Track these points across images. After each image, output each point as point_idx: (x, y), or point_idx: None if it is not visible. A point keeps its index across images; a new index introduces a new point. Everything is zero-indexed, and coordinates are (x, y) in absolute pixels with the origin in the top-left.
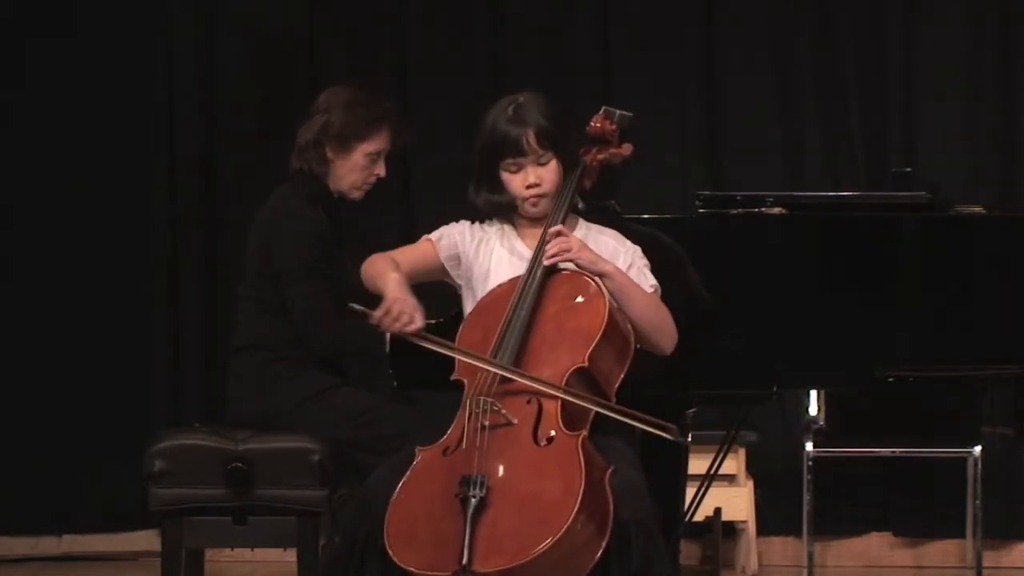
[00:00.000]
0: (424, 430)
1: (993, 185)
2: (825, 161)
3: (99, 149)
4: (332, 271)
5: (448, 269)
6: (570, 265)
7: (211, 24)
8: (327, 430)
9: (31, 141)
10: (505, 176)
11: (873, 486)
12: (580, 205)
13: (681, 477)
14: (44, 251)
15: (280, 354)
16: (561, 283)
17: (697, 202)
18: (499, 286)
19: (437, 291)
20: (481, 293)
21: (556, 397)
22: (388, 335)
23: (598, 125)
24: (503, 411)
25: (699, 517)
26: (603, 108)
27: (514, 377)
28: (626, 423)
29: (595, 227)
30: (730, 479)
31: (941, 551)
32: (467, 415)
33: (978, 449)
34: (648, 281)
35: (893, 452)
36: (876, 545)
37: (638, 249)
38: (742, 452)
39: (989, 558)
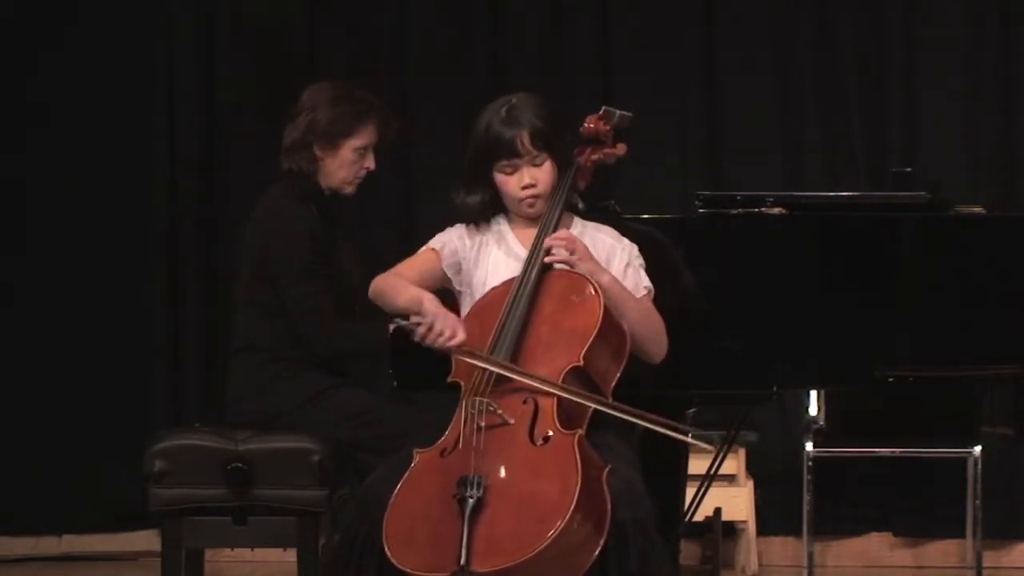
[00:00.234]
0: (423, 430)
1: (993, 185)
2: (825, 161)
3: (99, 150)
4: (329, 270)
5: (449, 276)
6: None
7: (211, 24)
8: (327, 430)
9: (31, 141)
10: (500, 177)
11: (873, 486)
12: (580, 205)
13: (681, 477)
14: (44, 251)
15: (279, 355)
16: (556, 283)
17: (697, 202)
18: (494, 288)
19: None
20: (478, 294)
21: (553, 395)
22: (389, 335)
23: (591, 125)
24: (499, 411)
25: (699, 517)
26: (603, 108)
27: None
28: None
29: (591, 224)
30: (730, 479)
31: (941, 551)
32: (464, 416)
33: (978, 449)
34: (643, 282)
35: (893, 452)
36: (876, 545)
37: (635, 247)
38: (742, 452)
39: (989, 558)
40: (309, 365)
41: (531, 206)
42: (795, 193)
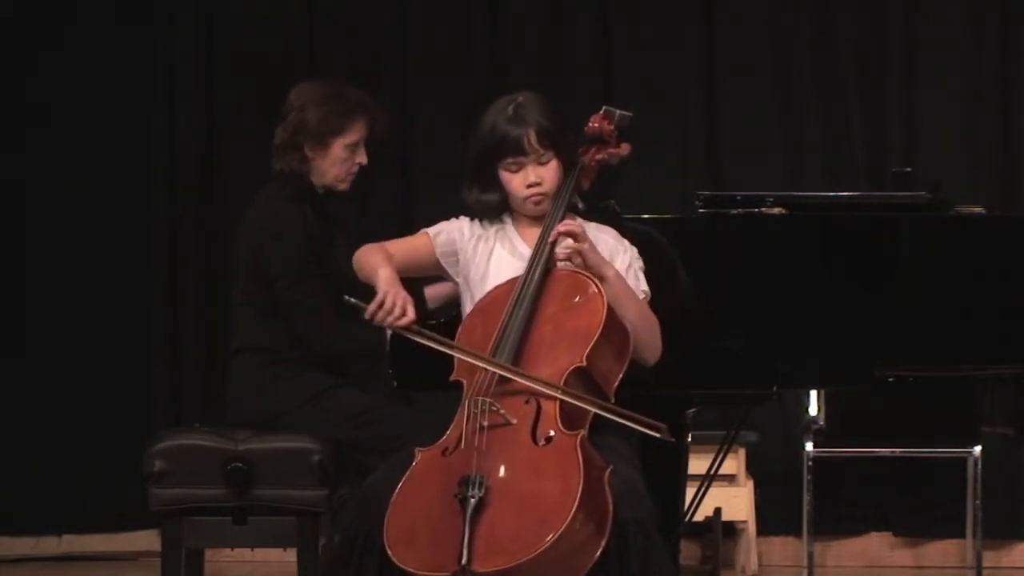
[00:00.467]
0: (424, 430)
1: (993, 185)
2: (825, 161)
3: (99, 150)
4: (326, 269)
5: (445, 267)
6: (568, 264)
7: (211, 24)
8: (327, 431)
9: (31, 141)
10: (505, 176)
11: (873, 486)
12: (580, 205)
13: (681, 477)
14: (44, 251)
15: (278, 356)
16: (560, 283)
17: (697, 202)
18: (498, 286)
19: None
20: (479, 292)
21: (554, 397)
22: (388, 335)
23: (596, 125)
24: (502, 411)
25: (699, 517)
26: (603, 108)
27: (512, 376)
28: (617, 422)
29: (592, 225)
30: (730, 479)
31: (941, 551)
32: (466, 416)
33: (978, 449)
34: (641, 286)
35: (893, 452)
36: (876, 545)
37: (635, 250)
38: (742, 452)
39: (989, 558)
40: (309, 365)
41: (536, 204)
42: (795, 193)
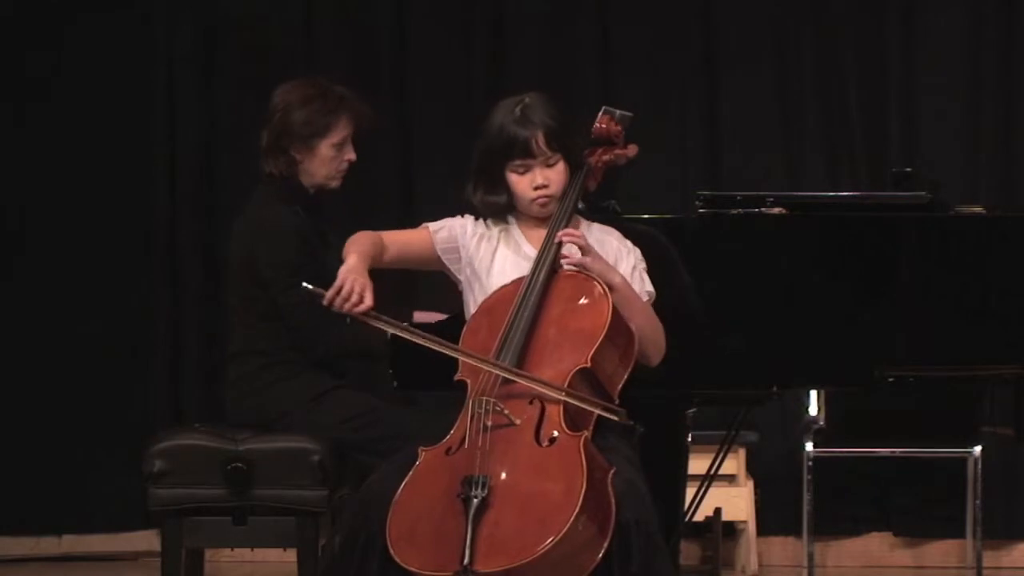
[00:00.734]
0: (423, 431)
1: (993, 185)
2: (825, 161)
3: (99, 150)
4: (323, 270)
5: (446, 263)
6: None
7: (211, 24)
8: (327, 431)
9: (31, 141)
10: (512, 177)
11: (873, 486)
12: (580, 205)
13: (681, 477)
14: (44, 251)
15: (275, 358)
16: (565, 284)
17: (697, 202)
18: (503, 287)
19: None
20: (480, 290)
21: (557, 400)
22: (388, 335)
23: (604, 126)
24: (505, 411)
25: (699, 517)
26: (603, 108)
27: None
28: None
29: (597, 226)
30: (730, 479)
31: (941, 551)
32: (470, 415)
33: (978, 449)
34: (646, 287)
35: (893, 452)
36: (876, 545)
37: (638, 252)
38: (742, 452)
39: (989, 558)
40: (307, 366)
41: (543, 206)
42: (795, 193)
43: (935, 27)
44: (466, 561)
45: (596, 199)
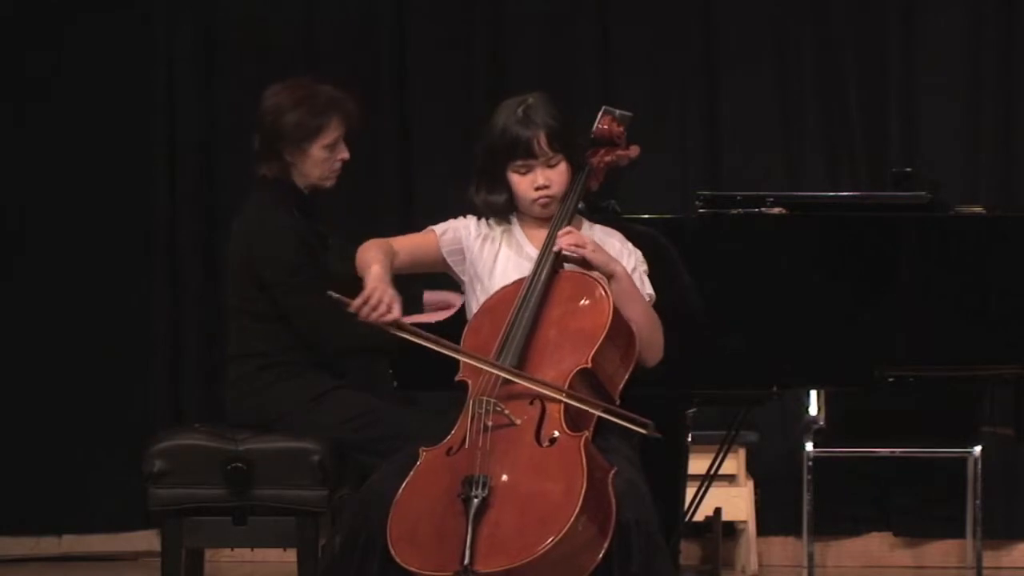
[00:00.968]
0: (424, 431)
1: (993, 185)
2: (825, 161)
3: (99, 151)
4: (321, 269)
5: (451, 264)
6: (575, 267)
7: (211, 24)
8: (327, 431)
9: (31, 141)
10: (514, 177)
11: (873, 486)
12: (580, 205)
13: (681, 477)
14: (44, 251)
15: (275, 359)
16: (566, 284)
17: (697, 202)
18: (504, 287)
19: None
20: (482, 290)
21: (558, 401)
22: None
23: (606, 127)
24: (506, 412)
25: (699, 517)
26: (603, 108)
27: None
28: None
29: (599, 227)
30: (730, 479)
31: (941, 551)
32: (470, 416)
33: (978, 449)
34: (646, 288)
35: (893, 452)
36: (876, 545)
37: (639, 253)
38: (742, 452)
39: (989, 558)
40: (307, 366)
41: (544, 206)
42: (795, 193)
43: (935, 27)
44: (466, 561)
45: (596, 199)
